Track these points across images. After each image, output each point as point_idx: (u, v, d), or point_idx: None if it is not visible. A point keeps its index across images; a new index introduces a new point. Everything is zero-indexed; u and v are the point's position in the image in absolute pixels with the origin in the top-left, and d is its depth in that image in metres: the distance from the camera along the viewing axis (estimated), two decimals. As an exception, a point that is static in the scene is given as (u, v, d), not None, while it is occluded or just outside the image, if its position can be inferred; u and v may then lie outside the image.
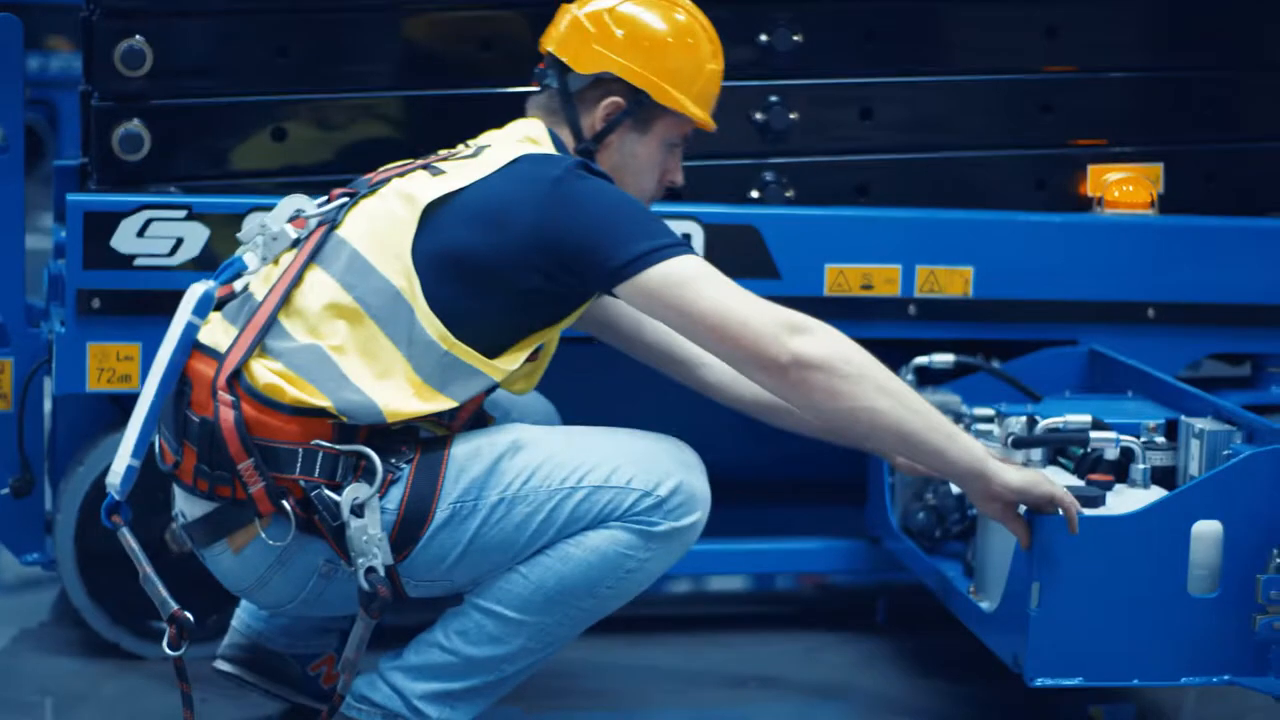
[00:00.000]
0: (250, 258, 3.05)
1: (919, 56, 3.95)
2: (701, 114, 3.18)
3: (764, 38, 3.83)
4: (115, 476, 2.89)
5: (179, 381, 2.93)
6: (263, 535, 2.89)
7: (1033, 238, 3.82)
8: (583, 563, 2.91)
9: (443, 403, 2.91)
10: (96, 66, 3.57)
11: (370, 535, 2.84)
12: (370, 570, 2.84)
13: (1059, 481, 3.05)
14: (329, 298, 2.92)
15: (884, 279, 3.74)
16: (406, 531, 2.88)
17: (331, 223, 3.00)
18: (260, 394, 2.86)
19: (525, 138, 3.10)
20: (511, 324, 2.95)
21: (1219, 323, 3.91)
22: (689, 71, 3.16)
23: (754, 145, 3.86)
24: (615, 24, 3.15)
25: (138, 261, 3.47)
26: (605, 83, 3.13)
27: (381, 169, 3.10)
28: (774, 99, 3.85)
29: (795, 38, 3.83)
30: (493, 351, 2.94)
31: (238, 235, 3.11)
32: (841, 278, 3.71)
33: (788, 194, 3.84)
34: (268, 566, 2.92)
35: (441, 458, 2.91)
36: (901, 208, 3.84)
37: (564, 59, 3.15)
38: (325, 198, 3.06)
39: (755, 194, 3.84)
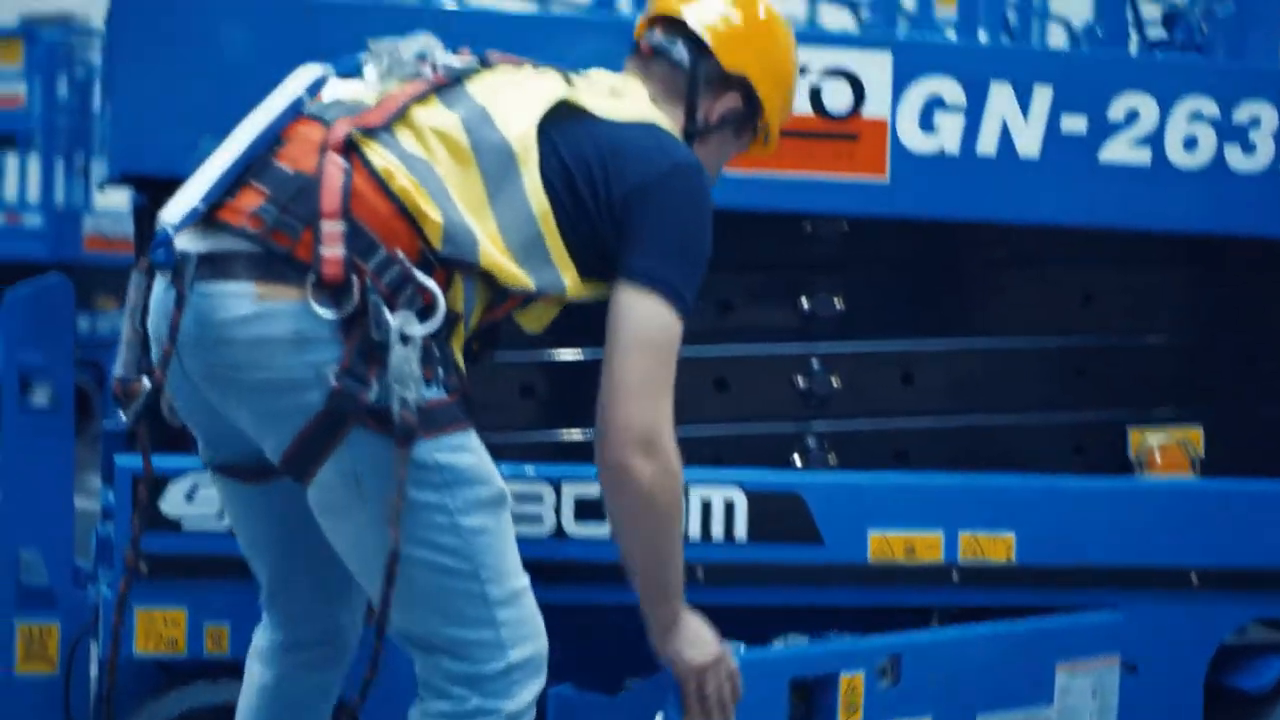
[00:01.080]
0: (370, 70, 2.93)
1: (958, 322, 4.00)
2: (774, 145, 3.27)
3: (806, 303, 3.88)
4: (174, 214, 2.71)
5: None
6: (310, 299, 2.66)
7: (1075, 503, 3.82)
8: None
9: (518, 276, 2.83)
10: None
11: (410, 369, 2.66)
12: (404, 401, 2.65)
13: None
14: (446, 127, 2.82)
15: (926, 545, 3.74)
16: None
17: (459, 77, 2.92)
18: (376, 171, 2.73)
19: (655, 108, 3.07)
20: (584, 253, 2.90)
21: (1264, 588, 3.90)
22: (786, 108, 3.28)
23: (797, 410, 3.89)
24: (769, 36, 3.20)
25: (186, 525, 3.50)
26: (732, 83, 3.15)
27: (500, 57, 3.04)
28: (816, 364, 3.89)
29: (837, 303, 3.88)
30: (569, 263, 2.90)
31: (368, 46, 2.96)
32: (885, 544, 3.72)
33: (830, 459, 3.87)
34: (290, 331, 2.68)
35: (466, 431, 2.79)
36: (942, 472, 3.86)
37: (711, 43, 3.13)
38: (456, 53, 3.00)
39: (798, 459, 3.87)
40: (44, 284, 3.70)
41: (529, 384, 3.75)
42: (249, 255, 2.70)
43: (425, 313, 2.70)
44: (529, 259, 2.85)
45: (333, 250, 2.65)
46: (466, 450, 2.78)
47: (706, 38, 3.14)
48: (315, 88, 2.86)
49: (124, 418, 2.78)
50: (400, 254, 2.70)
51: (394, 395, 2.66)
